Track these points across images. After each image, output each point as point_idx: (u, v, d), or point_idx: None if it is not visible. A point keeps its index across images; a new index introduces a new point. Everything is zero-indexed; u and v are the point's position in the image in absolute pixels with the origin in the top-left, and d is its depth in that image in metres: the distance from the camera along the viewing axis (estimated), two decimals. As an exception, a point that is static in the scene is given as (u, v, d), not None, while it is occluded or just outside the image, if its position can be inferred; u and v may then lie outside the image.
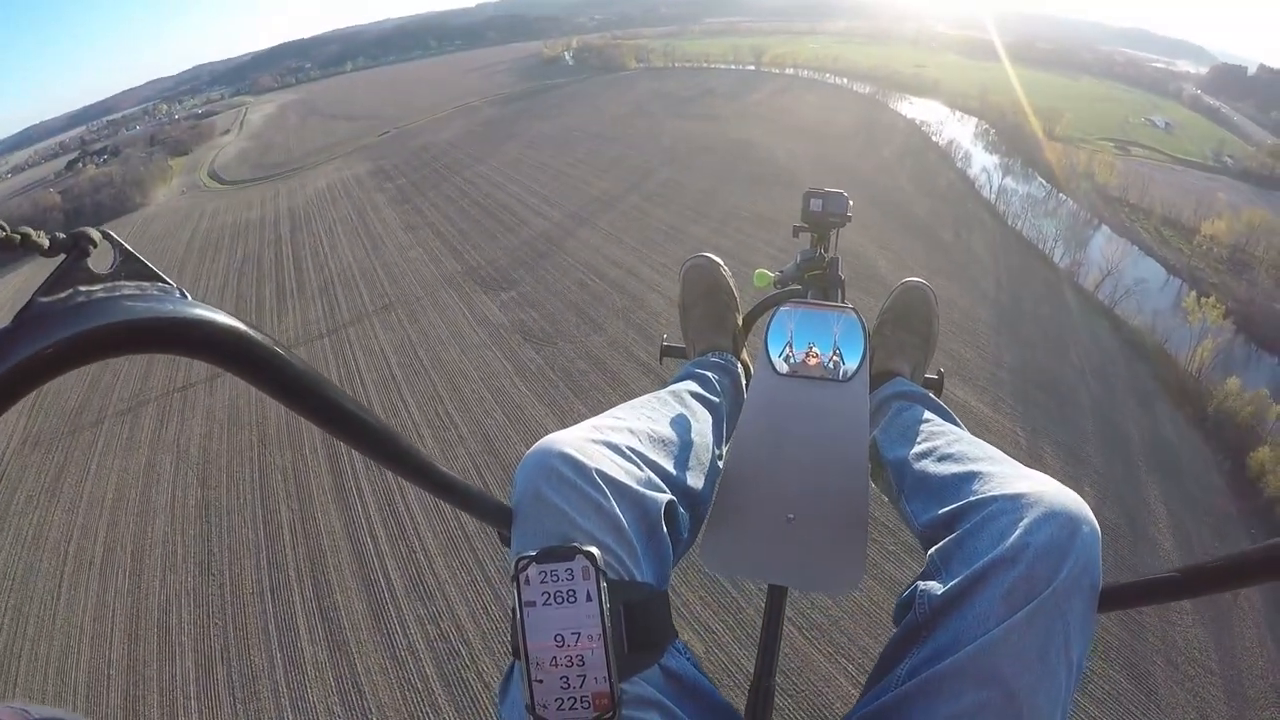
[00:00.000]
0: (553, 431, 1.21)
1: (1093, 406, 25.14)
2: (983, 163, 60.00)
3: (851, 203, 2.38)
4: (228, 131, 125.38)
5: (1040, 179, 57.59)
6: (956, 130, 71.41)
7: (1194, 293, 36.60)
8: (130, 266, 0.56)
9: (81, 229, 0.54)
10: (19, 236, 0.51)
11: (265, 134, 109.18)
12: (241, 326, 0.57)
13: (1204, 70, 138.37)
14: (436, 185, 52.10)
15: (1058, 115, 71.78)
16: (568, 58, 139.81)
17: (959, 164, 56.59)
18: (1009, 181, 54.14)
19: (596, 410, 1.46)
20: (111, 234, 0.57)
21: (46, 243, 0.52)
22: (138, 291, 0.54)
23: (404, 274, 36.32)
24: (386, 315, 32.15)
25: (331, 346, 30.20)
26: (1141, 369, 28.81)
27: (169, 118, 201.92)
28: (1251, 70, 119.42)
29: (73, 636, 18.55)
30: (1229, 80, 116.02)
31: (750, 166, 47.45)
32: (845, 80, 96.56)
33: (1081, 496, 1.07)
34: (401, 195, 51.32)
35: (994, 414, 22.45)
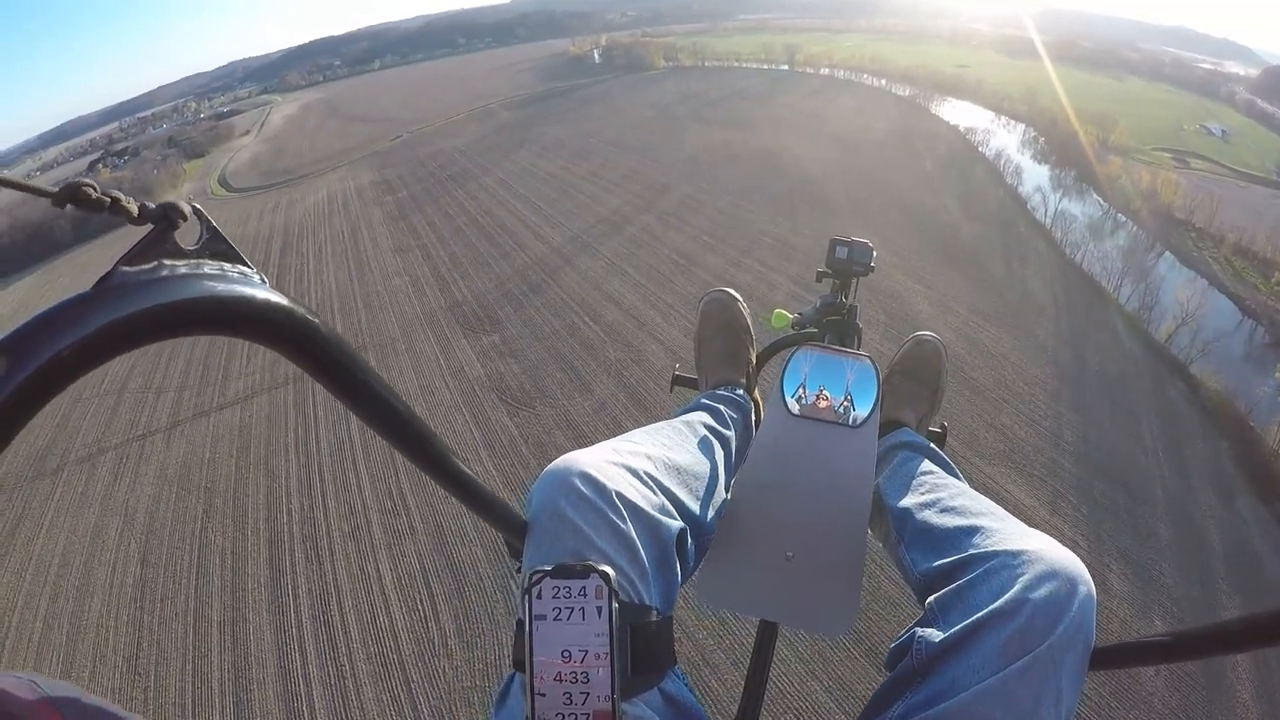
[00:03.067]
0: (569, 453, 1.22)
1: (1168, 503, 21.59)
2: (1034, 178, 55.32)
3: (875, 254, 2.43)
4: (247, 133, 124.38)
5: (1097, 197, 53.23)
6: (1004, 139, 67.22)
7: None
8: (215, 246, 0.57)
9: (172, 201, 0.55)
10: (109, 200, 0.51)
11: (282, 136, 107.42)
12: (315, 321, 0.58)
13: (1253, 72, 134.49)
14: (437, 199, 49.35)
15: (1111, 123, 67.69)
16: (595, 56, 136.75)
17: (1009, 179, 52.29)
18: (1064, 202, 49.38)
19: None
20: (201, 210, 0.57)
21: (136, 210, 0.53)
22: (219, 272, 0.54)
23: (384, 307, 33.57)
24: (357, 358, 29.43)
25: (294, 397, 27.21)
26: (1222, 448, 25.00)
27: (195, 117, 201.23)
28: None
29: (-1, 732, 16.85)
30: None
31: (777, 181, 44.01)
32: (883, 81, 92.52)
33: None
34: (399, 210, 48.60)
35: (1051, 515, 19.13)
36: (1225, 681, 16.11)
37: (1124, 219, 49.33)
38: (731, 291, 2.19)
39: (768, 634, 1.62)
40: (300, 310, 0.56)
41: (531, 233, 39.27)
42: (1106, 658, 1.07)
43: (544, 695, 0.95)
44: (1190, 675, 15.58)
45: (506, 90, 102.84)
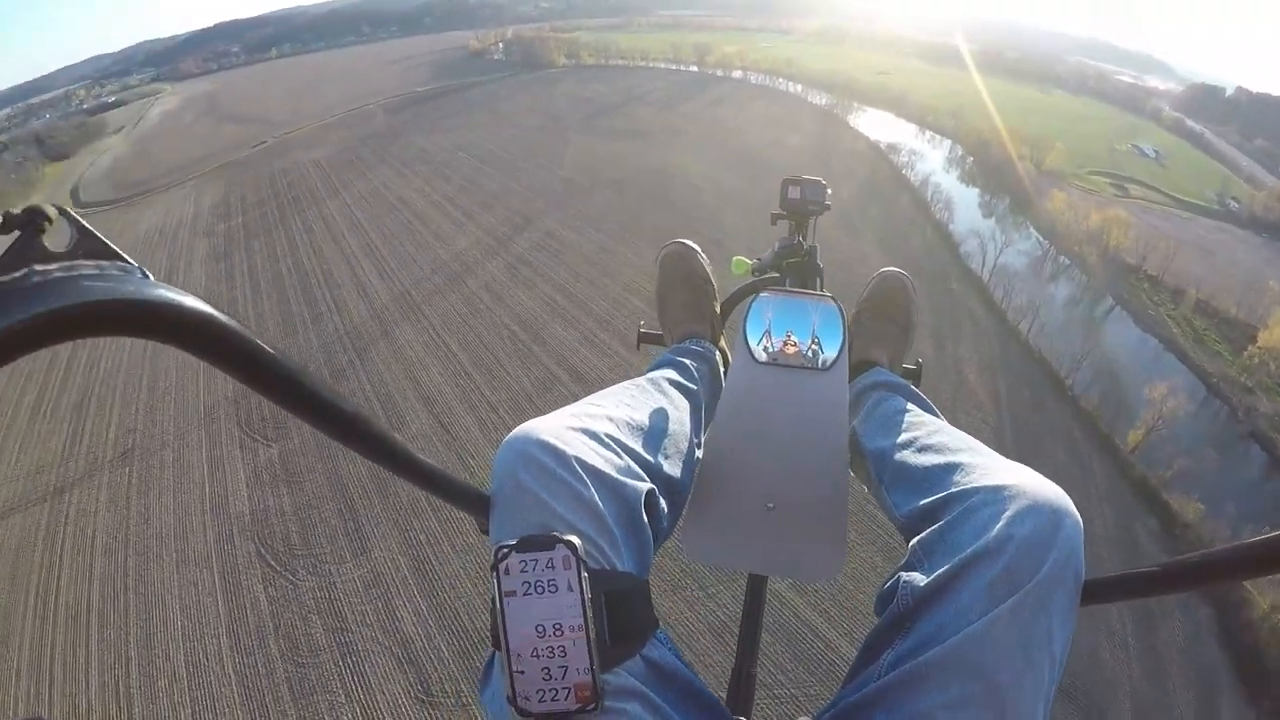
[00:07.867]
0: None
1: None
2: (966, 213, 49.70)
3: (830, 190, 2.39)
4: (121, 129, 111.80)
5: (1036, 234, 47.97)
6: (930, 160, 62.26)
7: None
8: (88, 244, 0.54)
9: (36, 204, 0.52)
10: None
11: (150, 138, 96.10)
12: (210, 310, 0.55)
13: (1175, 88, 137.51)
14: (270, 230, 42.60)
15: (1046, 144, 63.34)
16: (498, 51, 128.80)
17: (938, 213, 46.48)
18: (1003, 247, 42.84)
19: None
20: (67, 210, 0.54)
21: None
22: (97, 271, 0.52)
23: (167, 392, 27.36)
24: (120, 471, 23.71)
25: (46, 527, 21.69)
26: (1203, 621, 19.53)
27: (78, 106, 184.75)
28: (1229, 92, 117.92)
29: None
30: (1207, 101, 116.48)
31: (663, 214, 38.03)
32: (799, 88, 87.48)
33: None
34: (227, 244, 41.85)
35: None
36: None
37: (1067, 262, 43.88)
38: (689, 243, 2.09)
39: (757, 587, 1.62)
40: (192, 301, 0.53)
41: (357, 285, 33.11)
42: (1099, 592, 1.04)
43: (522, 672, 0.94)
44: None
45: (395, 87, 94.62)
